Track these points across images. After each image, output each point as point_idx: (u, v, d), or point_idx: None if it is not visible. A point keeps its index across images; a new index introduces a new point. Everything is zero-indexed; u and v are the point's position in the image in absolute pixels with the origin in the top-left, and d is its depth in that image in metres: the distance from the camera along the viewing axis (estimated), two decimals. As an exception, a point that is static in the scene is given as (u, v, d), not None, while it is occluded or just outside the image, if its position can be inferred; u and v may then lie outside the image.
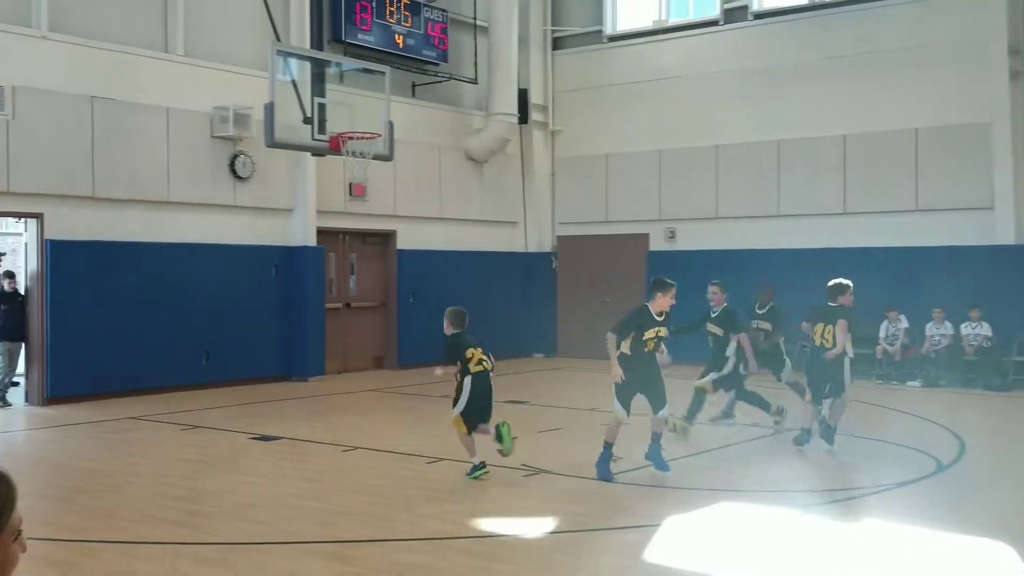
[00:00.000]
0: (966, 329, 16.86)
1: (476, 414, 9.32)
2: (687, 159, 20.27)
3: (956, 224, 17.52)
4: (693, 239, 20.32)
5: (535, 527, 7.64)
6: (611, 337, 9.28)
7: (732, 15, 20.05)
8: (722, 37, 20.17)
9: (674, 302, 9.39)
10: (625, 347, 9.29)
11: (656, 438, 9.56)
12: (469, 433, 9.31)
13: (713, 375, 11.84)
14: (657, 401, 9.42)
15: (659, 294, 9.34)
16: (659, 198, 20.67)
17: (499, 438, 9.31)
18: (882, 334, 17.40)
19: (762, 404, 12.04)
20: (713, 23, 20.28)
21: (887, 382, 17.04)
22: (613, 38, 21.63)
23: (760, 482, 9.40)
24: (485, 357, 9.54)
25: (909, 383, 16.88)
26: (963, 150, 17.49)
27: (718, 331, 11.79)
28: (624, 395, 9.27)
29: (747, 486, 9.18)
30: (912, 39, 17.99)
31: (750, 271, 19.14)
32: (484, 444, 9.35)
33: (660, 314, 9.33)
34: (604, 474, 9.24)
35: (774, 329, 12.51)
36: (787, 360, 12.55)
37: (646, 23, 21.20)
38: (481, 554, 6.90)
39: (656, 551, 6.92)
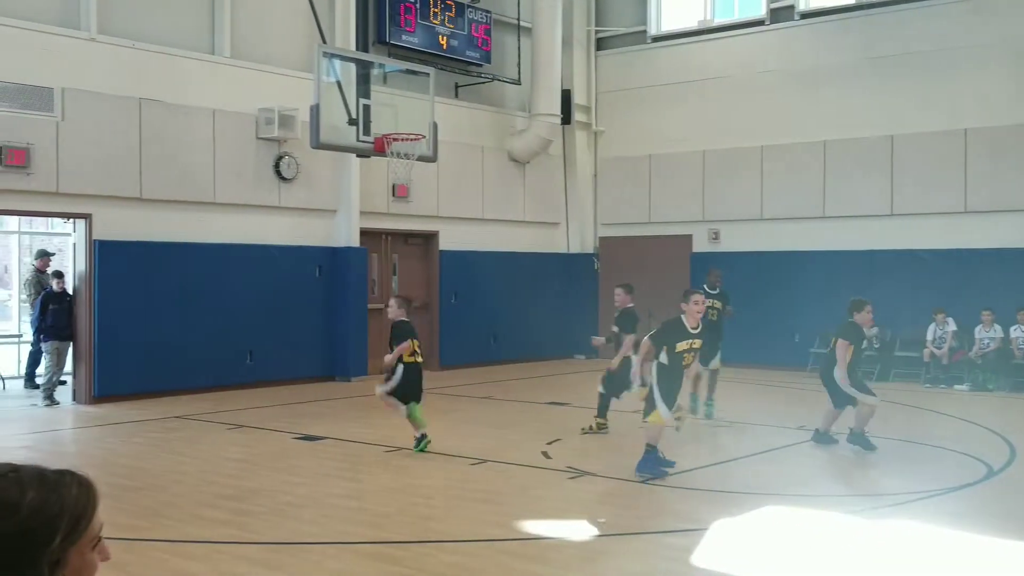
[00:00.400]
0: (1015, 332, 16.60)
1: (410, 396, 10.59)
2: (731, 160, 20.12)
3: (1005, 226, 17.24)
4: (737, 240, 20.17)
5: (580, 529, 7.60)
6: (644, 341, 9.55)
7: (778, 15, 19.87)
8: (768, 37, 20.01)
9: (701, 309, 9.57)
10: (663, 356, 9.43)
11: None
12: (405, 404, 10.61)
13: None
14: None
15: (682, 304, 9.59)
16: (703, 199, 20.54)
17: (412, 417, 10.51)
18: (929, 337, 17.17)
19: (602, 408, 12.11)
20: (759, 23, 20.11)
21: (934, 385, 16.81)
22: (657, 38, 21.53)
23: (806, 486, 9.30)
24: (418, 350, 10.69)
25: (957, 387, 16.65)
26: (1012, 151, 17.21)
27: (615, 328, 12.19)
28: (671, 399, 9.39)
29: (793, 490, 9.08)
30: (960, 39, 17.74)
31: (795, 273, 19.04)
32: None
33: (695, 327, 9.45)
34: (651, 470, 9.23)
35: (724, 306, 13.46)
36: (719, 352, 13.14)
37: (691, 23, 21.08)
38: (527, 556, 6.87)
39: (703, 555, 6.86)
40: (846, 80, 18.86)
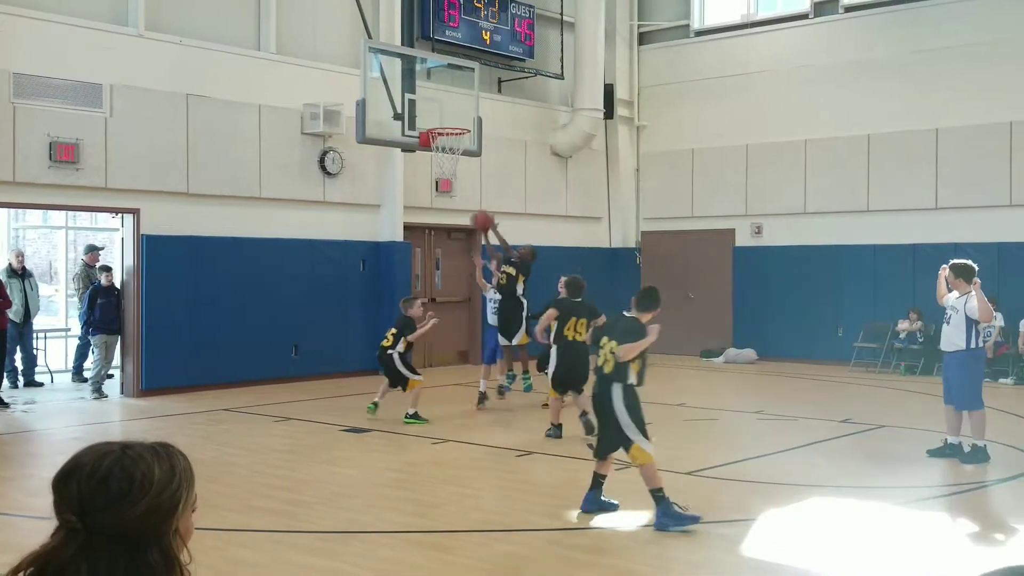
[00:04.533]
0: (1064, 327, 16.39)
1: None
2: (775, 154, 20.01)
3: (1054, 219, 17.03)
4: (780, 235, 20.06)
5: (630, 520, 7.62)
6: None
7: (822, 8, 19.71)
8: (812, 31, 19.85)
9: None
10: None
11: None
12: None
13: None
14: None
15: None
16: (746, 193, 20.45)
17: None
18: (976, 332, 16.96)
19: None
20: (803, 16, 19.97)
21: (981, 381, 16.63)
22: (700, 32, 21.45)
23: (852, 477, 9.24)
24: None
25: (1002, 380, 16.47)
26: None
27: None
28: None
29: (839, 482, 9.02)
30: (1006, 31, 17.53)
31: (838, 267, 18.92)
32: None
33: None
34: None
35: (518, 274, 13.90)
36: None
37: (734, 17, 20.99)
38: (581, 546, 6.92)
39: (752, 545, 6.88)
40: (890, 74, 18.67)
